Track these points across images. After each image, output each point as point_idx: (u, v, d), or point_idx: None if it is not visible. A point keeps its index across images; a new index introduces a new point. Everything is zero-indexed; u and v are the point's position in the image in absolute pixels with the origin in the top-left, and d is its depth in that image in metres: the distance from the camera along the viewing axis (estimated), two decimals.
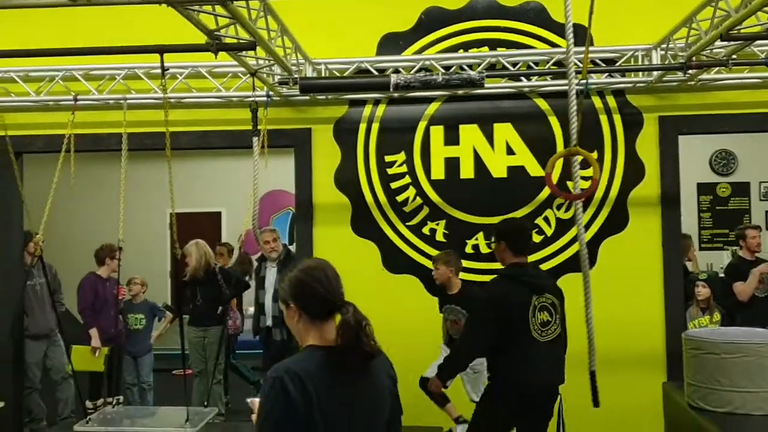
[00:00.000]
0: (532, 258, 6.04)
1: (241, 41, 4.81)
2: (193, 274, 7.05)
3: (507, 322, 4.26)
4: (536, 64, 6.09)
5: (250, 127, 5.55)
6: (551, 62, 5.99)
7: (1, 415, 6.46)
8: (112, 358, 6.68)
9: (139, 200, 8.27)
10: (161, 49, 5.00)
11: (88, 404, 6.59)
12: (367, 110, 6.32)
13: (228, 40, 4.77)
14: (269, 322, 6.94)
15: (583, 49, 5.88)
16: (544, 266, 6.06)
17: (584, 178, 6.07)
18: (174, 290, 7.00)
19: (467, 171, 6.20)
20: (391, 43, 6.28)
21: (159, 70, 5.14)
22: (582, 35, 5.98)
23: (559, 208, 6.12)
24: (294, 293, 2.40)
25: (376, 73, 6.13)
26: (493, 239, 4.71)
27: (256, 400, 2.49)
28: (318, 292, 2.37)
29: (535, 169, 6.12)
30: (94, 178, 9.29)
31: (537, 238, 6.11)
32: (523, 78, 6.05)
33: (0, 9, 5.01)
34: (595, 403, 4.40)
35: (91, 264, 7.20)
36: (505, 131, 6.16)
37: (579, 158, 4.44)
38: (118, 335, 6.95)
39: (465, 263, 6.14)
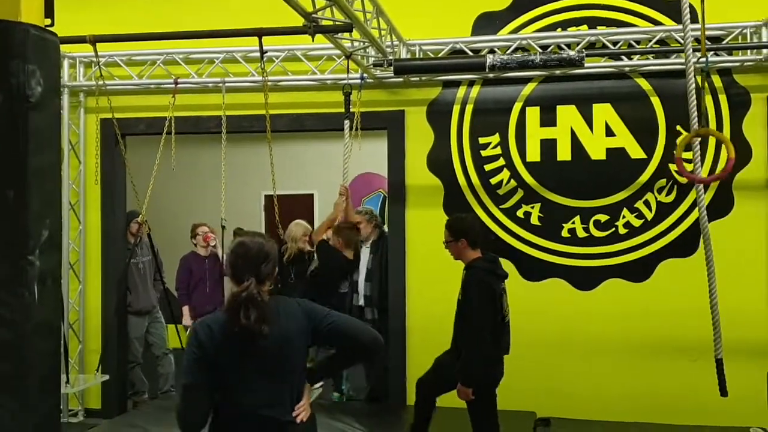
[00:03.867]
0: (632, 241, 5.95)
1: (337, 23, 4.83)
2: (291, 253, 7.14)
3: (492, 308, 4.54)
4: (637, 42, 5.89)
5: (343, 110, 5.57)
6: (653, 41, 5.78)
7: (106, 388, 6.77)
8: None
9: (234, 182, 8.41)
10: (260, 32, 5.07)
11: None
12: (461, 92, 6.26)
13: (324, 23, 4.79)
14: (361, 302, 6.98)
15: (689, 26, 5.74)
16: (644, 251, 5.91)
17: (686, 161, 5.88)
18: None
19: (564, 153, 6.06)
20: (487, 22, 6.18)
21: (256, 54, 5.20)
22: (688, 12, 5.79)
23: (660, 191, 5.93)
24: (229, 255, 2.98)
25: (471, 53, 6.06)
26: (448, 238, 4.69)
27: None
28: (237, 263, 2.90)
29: (635, 151, 5.95)
30: (192, 159, 9.52)
31: (636, 223, 5.94)
32: (623, 57, 5.87)
33: None
34: (723, 392, 4.25)
35: (187, 243, 7.40)
36: (604, 112, 6.00)
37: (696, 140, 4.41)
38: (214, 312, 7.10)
39: (561, 248, 6.06)
